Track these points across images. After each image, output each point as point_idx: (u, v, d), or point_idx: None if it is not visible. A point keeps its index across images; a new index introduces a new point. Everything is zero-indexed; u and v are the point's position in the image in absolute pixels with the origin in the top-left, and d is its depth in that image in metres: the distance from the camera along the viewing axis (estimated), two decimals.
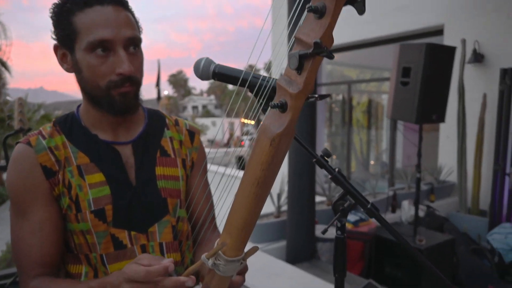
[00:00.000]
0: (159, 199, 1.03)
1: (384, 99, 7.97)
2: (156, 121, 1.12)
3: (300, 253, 3.35)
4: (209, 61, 0.96)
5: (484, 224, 4.25)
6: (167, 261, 0.74)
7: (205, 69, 0.96)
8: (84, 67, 0.93)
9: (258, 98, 0.91)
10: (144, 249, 0.99)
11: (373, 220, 3.94)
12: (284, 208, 3.70)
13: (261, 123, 0.61)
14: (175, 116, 1.20)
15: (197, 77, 0.98)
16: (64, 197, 0.94)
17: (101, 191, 0.96)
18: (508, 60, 4.42)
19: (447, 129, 5.10)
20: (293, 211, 3.36)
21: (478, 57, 4.67)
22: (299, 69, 0.55)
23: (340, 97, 8.09)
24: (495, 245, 3.67)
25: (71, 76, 1.02)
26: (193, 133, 1.16)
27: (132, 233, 0.98)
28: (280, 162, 0.62)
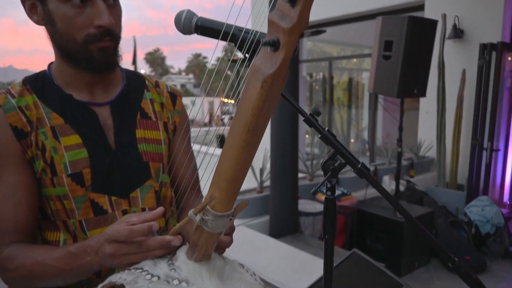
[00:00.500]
0: (141, 163, 0.97)
1: (365, 78, 7.99)
2: (135, 82, 1.05)
3: (283, 227, 3.36)
4: (191, 14, 0.90)
5: (461, 198, 4.34)
6: (158, 211, 0.70)
7: (187, 22, 0.90)
8: (58, 19, 0.85)
9: (242, 52, 0.86)
10: (125, 215, 0.94)
11: (354, 194, 3.98)
12: (267, 183, 3.68)
13: (251, 64, 0.56)
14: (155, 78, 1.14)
15: (179, 31, 0.92)
16: (37, 160, 0.88)
17: (78, 154, 0.90)
18: (487, 35, 4.45)
19: (427, 105, 5.14)
20: (276, 186, 3.34)
21: (458, 33, 4.69)
22: (292, 1, 0.50)
23: (320, 75, 8.07)
24: (472, 217, 3.75)
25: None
26: (175, 96, 1.10)
27: (113, 198, 0.93)
28: (272, 107, 0.57)
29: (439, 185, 4.77)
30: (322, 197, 3.85)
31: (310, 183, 4.05)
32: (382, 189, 0.96)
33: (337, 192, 3.79)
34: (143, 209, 0.96)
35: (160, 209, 0.72)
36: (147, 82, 1.07)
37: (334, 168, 0.88)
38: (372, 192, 4.17)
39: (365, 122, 7.67)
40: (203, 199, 0.63)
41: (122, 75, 1.04)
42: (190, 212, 0.63)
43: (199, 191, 1.12)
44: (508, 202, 4.76)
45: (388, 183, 4.23)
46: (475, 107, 4.16)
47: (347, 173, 4.38)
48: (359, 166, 0.90)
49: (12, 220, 0.86)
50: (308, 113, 0.89)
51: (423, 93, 3.41)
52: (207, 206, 0.61)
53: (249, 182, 3.71)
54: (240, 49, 0.86)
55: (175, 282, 0.62)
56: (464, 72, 4.52)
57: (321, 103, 7.84)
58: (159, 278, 0.62)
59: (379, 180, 4.46)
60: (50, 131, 0.89)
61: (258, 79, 0.55)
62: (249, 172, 2.46)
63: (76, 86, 0.94)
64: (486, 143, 4.14)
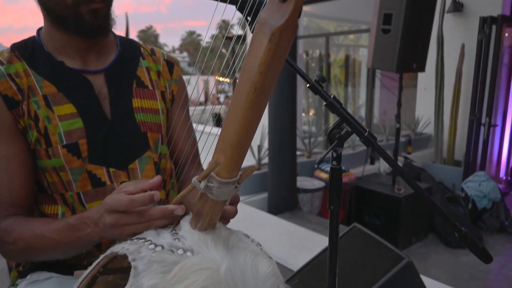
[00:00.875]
0: (139, 133, 0.94)
1: (361, 56, 7.90)
2: (130, 49, 1.01)
3: (282, 204, 3.35)
4: None
5: (458, 174, 4.35)
6: (156, 180, 0.67)
7: None
8: None
9: (244, 14, 0.82)
10: None
11: (352, 171, 3.97)
12: (265, 161, 3.66)
13: (258, 17, 0.52)
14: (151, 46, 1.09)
15: None
16: (31, 130, 0.84)
17: (72, 124, 0.86)
18: (487, 8, 4.37)
19: (425, 81, 5.10)
20: (274, 163, 3.32)
21: (457, 6, 4.61)
22: None
23: (317, 53, 7.96)
24: (469, 192, 3.76)
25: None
26: (171, 64, 1.06)
27: (111, 170, 0.89)
28: (280, 63, 0.53)
29: (437, 161, 4.78)
30: (321, 174, 3.84)
31: (308, 160, 4.03)
32: (389, 158, 0.93)
33: None
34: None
35: (157, 178, 0.68)
36: (142, 50, 1.03)
37: (340, 136, 0.85)
38: (370, 168, 4.17)
39: (362, 99, 7.62)
40: (208, 165, 0.59)
41: (115, 41, 0.99)
42: (194, 179, 0.59)
43: (199, 164, 1.09)
44: (504, 178, 4.79)
45: None
46: (473, 82, 4.12)
47: (345, 149, 4.35)
48: (366, 134, 0.87)
49: (7, 193, 0.83)
50: (313, 79, 0.86)
51: (422, 68, 3.36)
52: (212, 173, 0.58)
53: (247, 160, 3.68)
54: (241, 11, 0.81)
55: (180, 251, 0.59)
56: (463, 46, 4.46)
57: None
58: (162, 247, 0.59)
59: (376, 158, 4.45)
60: (43, 100, 0.85)
61: (265, 33, 0.51)
62: None
63: (68, 52, 0.89)
64: (484, 119, 4.12)
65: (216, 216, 0.62)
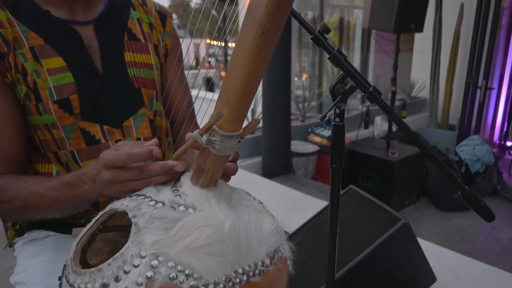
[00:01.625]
0: (132, 89, 0.89)
1: (356, 18, 7.72)
2: None
3: (276, 168, 3.34)
4: None
5: (452, 138, 4.35)
6: (152, 142, 0.63)
7: None
8: None
9: None
10: None
11: (346, 135, 3.95)
12: (259, 124, 3.62)
13: None
14: None
15: None
16: (19, 85, 0.79)
17: (62, 79, 0.81)
18: None
19: (422, 42, 5.01)
20: (268, 127, 3.28)
21: None
22: None
23: (310, 15, 7.77)
24: (463, 156, 3.78)
25: None
26: (164, 16, 1.00)
27: (105, 127, 0.85)
28: (289, 4, 0.49)
29: (430, 125, 4.78)
30: (315, 138, 3.82)
31: (302, 124, 4.00)
32: (394, 115, 0.90)
33: (329, 133, 3.76)
34: (138, 139, 0.89)
35: (154, 140, 0.65)
36: (132, 0, 0.96)
37: (344, 91, 0.81)
38: (364, 133, 4.16)
39: (356, 64, 7.52)
40: (209, 117, 0.56)
41: None
42: (195, 133, 0.55)
43: (196, 124, 1.05)
44: (498, 142, 4.81)
45: (380, 123, 4.20)
46: (472, 43, 4.04)
47: None
48: (371, 89, 0.83)
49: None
50: (316, 30, 0.81)
51: (420, 28, 3.28)
52: (214, 126, 0.54)
53: None
54: None
55: (181, 208, 0.56)
56: (462, 6, 4.35)
57: (311, 45, 7.62)
58: (163, 204, 0.56)
59: (371, 122, 4.43)
60: (30, 52, 0.79)
61: None
62: None
63: (54, 1, 0.83)
64: (481, 81, 4.08)
65: (218, 173, 0.59)
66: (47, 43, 0.81)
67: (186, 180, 0.61)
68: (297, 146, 3.61)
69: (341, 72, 0.84)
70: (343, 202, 1.75)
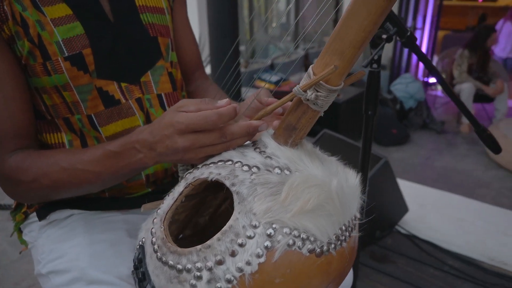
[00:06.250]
0: (148, 38, 0.78)
1: None
2: None
3: None
4: None
5: (384, 77, 4.58)
6: (224, 102, 0.55)
7: None
8: None
9: None
10: (140, 104, 0.77)
11: (291, 79, 3.98)
12: (207, 70, 3.48)
13: None
14: None
15: None
16: (19, 40, 0.65)
17: (71, 30, 0.68)
18: None
19: None
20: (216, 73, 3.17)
21: None
22: None
23: None
24: (398, 94, 4.02)
25: None
26: None
27: (123, 84, 0.75)
28: None
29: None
30: (261, 84, 3.76)
31: (245, 70, 3.93)
32: (426, 59, 0.90)
33: (275, 78, 3.75)
34: (159, 96, 0.80)
35: (226, 100, 0.55)
36: None
37: (389, 36, 0.78)
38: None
39: (281, 6, 7.43)
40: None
41: None
42: (297, 88, 0.50)
43: (206, 76, 0.96)
44: (422, 79, 5.17)
45: None
46: None
47: (279, 58, 4.32)
48: (408, 34, 0.82)
49: (9, 121, 0.66)
50: None
51: None
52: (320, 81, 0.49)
53: None
54: None
55: (276, 170, 0.51)
56: None
57: None
58: (258, 168, 0.51)
59: (309, 64, 4.49)
60: None
61: None
62: None
63: None
64: (410, 22, 4.28)
65: (308, 130, 0.55)
66: None
67: (269, 140, 0.56)
68: (247, 93, 3.56)
69: None
70: (320, 146, 1.77)
